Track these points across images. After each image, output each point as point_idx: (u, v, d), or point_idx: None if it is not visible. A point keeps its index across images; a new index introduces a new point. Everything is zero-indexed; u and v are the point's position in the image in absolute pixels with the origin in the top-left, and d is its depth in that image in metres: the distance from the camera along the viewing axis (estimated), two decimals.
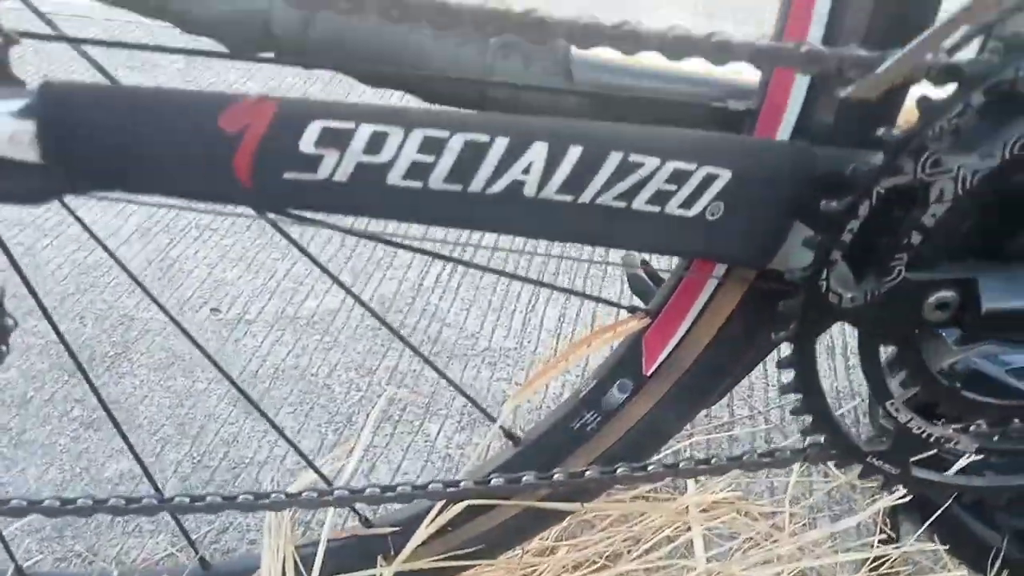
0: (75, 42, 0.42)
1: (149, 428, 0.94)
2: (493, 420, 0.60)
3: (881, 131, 0.37)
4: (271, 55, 0.47)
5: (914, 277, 0.41)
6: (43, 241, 1.21)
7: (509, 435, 0.61)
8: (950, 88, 0.36)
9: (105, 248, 0.52)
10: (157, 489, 0.58)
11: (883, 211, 0.39)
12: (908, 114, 0.41)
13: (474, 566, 0.66)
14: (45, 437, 0.93)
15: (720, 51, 0.34)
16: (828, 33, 0.39)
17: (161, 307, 0.52)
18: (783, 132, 0.43)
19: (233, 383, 0.59)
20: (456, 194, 0.35)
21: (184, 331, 0.55)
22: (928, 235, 0.40)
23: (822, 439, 0.50)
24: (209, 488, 0.89)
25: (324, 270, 0.53)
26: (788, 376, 0.47)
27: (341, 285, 0.55)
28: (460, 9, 0.34)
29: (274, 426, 0.60)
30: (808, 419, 0.49)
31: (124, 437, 0.59)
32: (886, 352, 0.46)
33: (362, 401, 0.99)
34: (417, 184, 0.35)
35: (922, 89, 0.36)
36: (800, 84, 0.42)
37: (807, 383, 0.46)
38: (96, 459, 0.91)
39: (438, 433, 0.96)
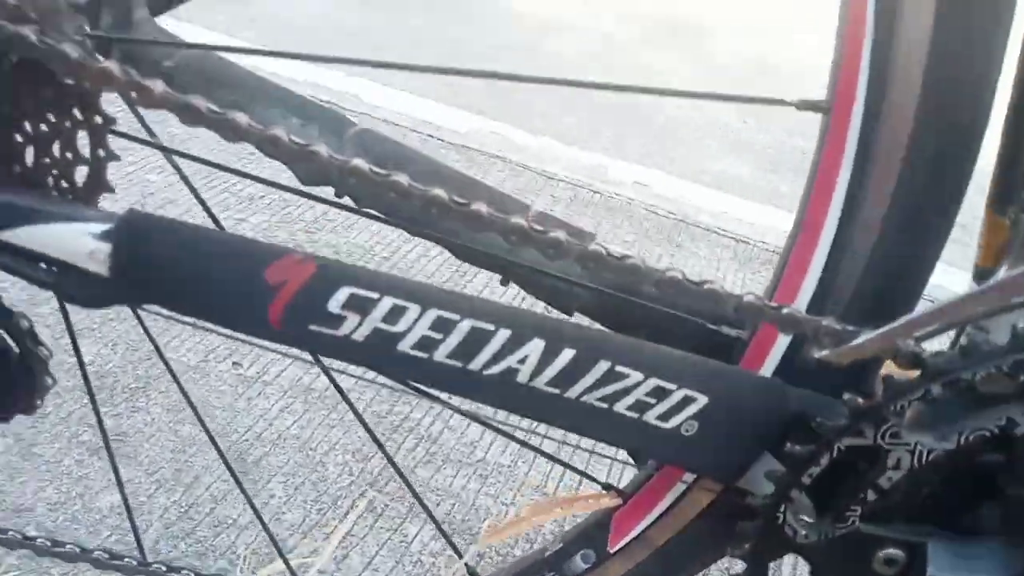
0: (168, 151, 0.48)
1: (148, 467, 0.98)
2: (460, 556, 0.63)
3: (846, 396, 0.40)
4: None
5: (867, 530, 0.44)
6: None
7: (472, 574, 0.63)
8: (914, 373, 0.39)
9: (156, 348, 0.57)
10: (141, 549, 0.61)
11: (843, 464, 0.42)
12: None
13: None
14: (52, 455, 0.97)
15: (707, 300, 0.38)
16: (818, 293, 0.43)
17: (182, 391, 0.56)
18: (769, 363, 0.46)
19: (221, 454, 0.62)
20: (456, 368, 0.40)
21: (191, 405, 0.59)
22: (883, 495, 0.42)
23: None
24: (188, 540, 0.92)
25: (348, 403, 0.57)
26: None
27: (361, 420, 0.59)
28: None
29: (253, 508, 0.63)
30: None
31: (118, 479, 0.63)
32: None
33: (351, 486, 1.02)
34: (423, 355, 0.39)
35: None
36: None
37: None
38: (93, 487, 0.95)
39: (415, 536, 0.98)
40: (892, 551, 0.44)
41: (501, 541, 0.94)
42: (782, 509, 0.44)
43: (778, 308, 0.39)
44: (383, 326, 0.38)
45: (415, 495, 0.60)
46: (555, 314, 0.50)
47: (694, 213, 1.86)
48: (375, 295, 0.38)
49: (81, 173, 0.42)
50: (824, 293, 0.43)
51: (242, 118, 0.36)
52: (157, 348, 0.57)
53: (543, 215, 0.52)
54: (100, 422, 0.61)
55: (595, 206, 1.79)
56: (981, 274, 0.42)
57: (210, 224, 0.45)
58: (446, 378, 0.40)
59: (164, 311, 0.38)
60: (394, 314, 0.38)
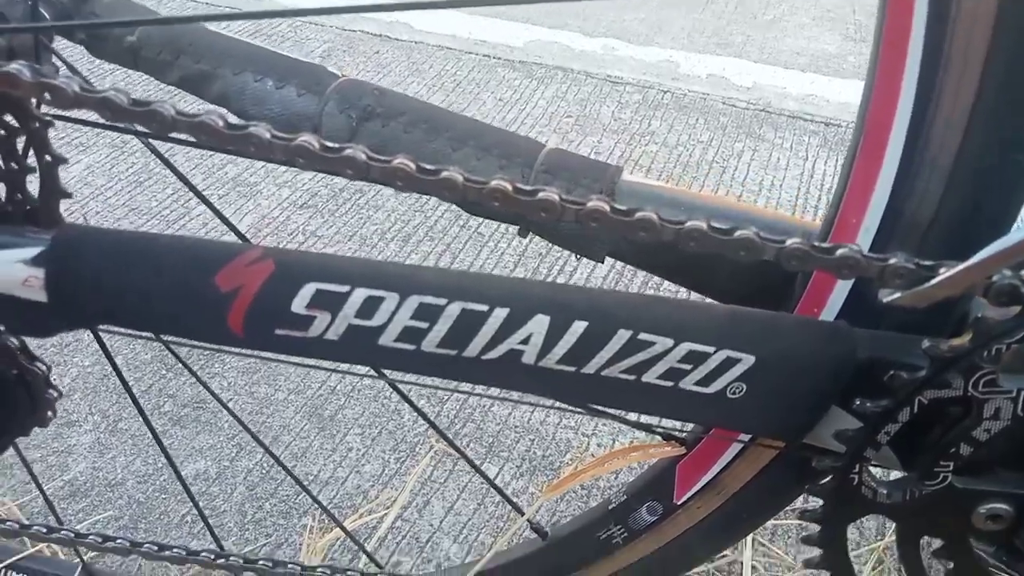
0: (131, 133, 0.44)
1: (228, 432, 1.00)
2: (521, 513, 0.60)
3: (926, 344, 0.33)
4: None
5: (963, 484, 0.37)
6: (181, 221, 1.29)
7: (537, 530, 0.60)
8: (1011, 309, 0.31)
9: None
10: (218, 542, 0.61)
11: (927, 418, 0.35)
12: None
13: None
14: (136, 428, 1.00)
15: (748, 249, 0.32)
16: (886, 222, 0.35)
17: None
18: (833, 303, 0.39)
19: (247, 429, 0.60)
20: (450, 357, 0.35)
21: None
22: (980, 447, 0.35)
23: None
24: (272, 500, 0.93)
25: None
26: (816, 552, 0.43)
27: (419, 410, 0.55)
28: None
29: (303, 486, 0.61)
30: None
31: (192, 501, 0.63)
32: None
33: (428, 432, 1.00)
34: (410, 347, 0.34)
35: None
36: (863, 241, 0.38)
37: (836, 564, 0.43)
38: (177, 456, 0.97)
39: (496, 476, 0.96)
40: (996, 505, 0.37)
41: (560, 493, 0.91)
42: (856, 470, 0.38)
43: (831, 250, 0.31)
44: (359, 322, 0.33)
45: (470, 462, 0.57)
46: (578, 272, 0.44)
47: (777, 100, 1.71)
48: (344, 288, 0.33)
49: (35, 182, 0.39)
50: (893, 221, 0.35)
51: (166, 109, 0.31)
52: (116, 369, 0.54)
53: (557, 156, 0.46)
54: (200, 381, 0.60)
55: (666, 107, 1.67)
56: None
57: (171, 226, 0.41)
58: (441, 367, 0.35)
59: (120, 329, 0.34)
60: (369, 307, 0.33)
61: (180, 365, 1.07)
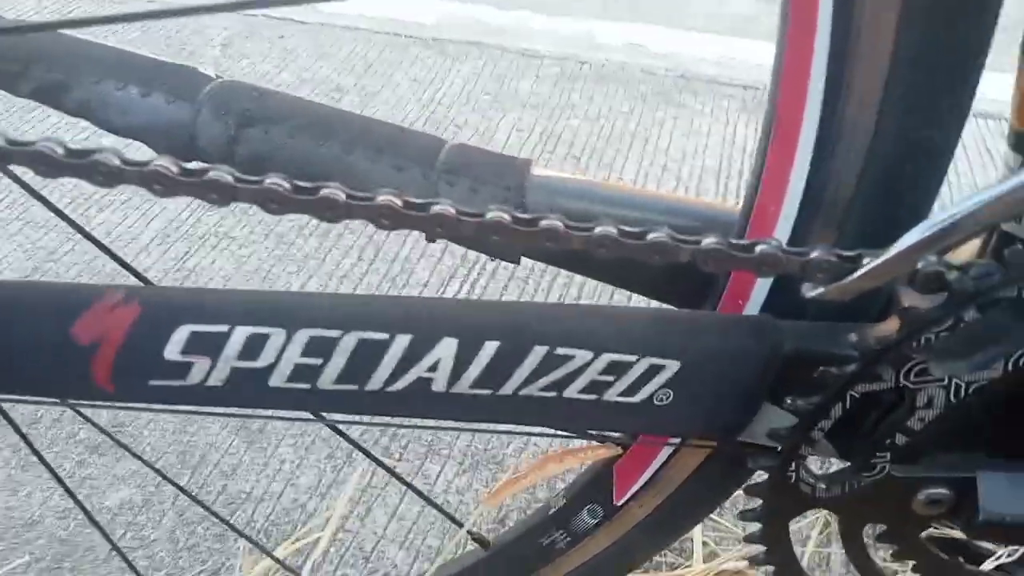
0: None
1: (151, 456, 0.94)
2: (460, 525, 0.57)
3: (854, 338, 0.31)
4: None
5: (900, 473, 0.36)
6: (66, 246, 1.21)
7: (479, 540, 0.57)
8: (937, 296, 0.30)
9: None
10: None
11: (860, 412, 0.33)
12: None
13: None
14: (51, 460, 0.93)
15: (662, 252, 0.29)
16: (803, 214, 0.33)
17: None
18: (758, 292, 0.37)
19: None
20: (352, 392, 0.31)
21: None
22: (915, 436, 0.34)
23: None
24: (204, 524, 0.88)
25: None
26: (760, 550, 0.42)
27: None
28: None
29: (227, 523, 0.57)
30: None
31: None
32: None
33: (362, 437, 0.97)
34: (304, 386, 0.31)
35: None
36: (782, 231, 0.36)
37: (781, 560, 0.41)
38: (99, 486, 0.91)
39: (438, 475, 0.93)
40: (935, 491, 0.36)
41: (498, 503, 0.89)
42: (792, 469, 0.36)
43: (750, 247, 0.29)
44: (243, 364, 0.30)
45: (404, 482, 0.54)
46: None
47: (695, 65, 1.71)
48: (223, 327, 0.29)
49: None
50: (812, 208, 0.33)
51: None
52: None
53: (460, 153, 0.43)
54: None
55: (584, 79, 1.65)
56: (1018, 142, 0.31)
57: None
58: (342, 403, 0.32)
59: None
60: (253, 346, 0.30)
61: None
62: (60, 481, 0.56)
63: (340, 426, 0.52)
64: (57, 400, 0.31)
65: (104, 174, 0.28)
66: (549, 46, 1.75)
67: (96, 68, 0.42)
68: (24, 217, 1.26)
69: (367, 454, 0.52)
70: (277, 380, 0.30)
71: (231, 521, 0.88)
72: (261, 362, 0.30)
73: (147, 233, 1.24)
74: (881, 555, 0.57)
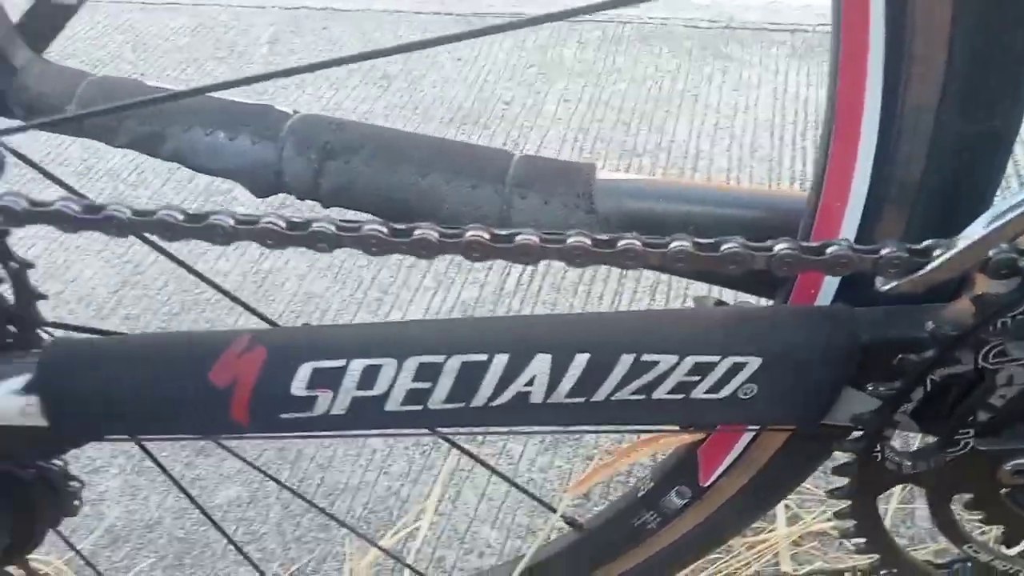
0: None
1: (253, 455, 1.00)
2: (553, 510, 0.60)
3: (931, 327, 0.32)
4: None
5: (985, 447, 0.37)
6: (150, 258, 1.27)
7: (572, 523, 0.60)
8: (1010, 282, 0.31)
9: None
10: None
11: (941, 394, 0.35)
12: None
13: None
14: (164, 463, 1.00)
15: (737, 262, 0.31)
16: (870, 209, 0.34)
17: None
18: (830, 281, 0.39)
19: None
20: (459, 410, 0.34)
21: None
22: (997, 412, 0.35)
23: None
24: (309, 515, 0.94)
25: None
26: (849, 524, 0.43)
27: None
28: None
29: (333, 517, 0.62)
30: (876, 556, 0.45)
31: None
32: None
33: None
34: (417, 407, 0.34)
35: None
36: (849, 226, 0.38)
37: (870, 531, 0.43)
38: (207, 486, 0.98)
39: (521, 455, 0.97)
40: (1020, 460, 0.37)
41: (590, 488, 0.92)
42: (877, 449, 0.38)
43: (820, 250, 0.31)
44: (361, 393, 0.33)
45: (497, 472, 0.57)
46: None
47: (740, 13, 1.67)
48: (340, 363, 0.32)
49: None
50: (878, 202, 0.34)
51: (121, 211, 0.30)
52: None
53: (527, 165, 0.45)
54: None
55: (627, 40, 1.63)
56: None
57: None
58: (450, 420, 0.35)
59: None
60: (369, 377, 0.33)
61: None
62: (177, 483, 0.61)
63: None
64: (198, 436, 0.35)
65: (221, 234, 0.30)
66: (591, 15, 1.74)
67: (183, 117, 0.45)
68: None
69: (458, 447, 0.55)
70: (392, 405, 0.33)
71: (332, 511, 0.94)
72: (377, 390, 0.33)
73: None
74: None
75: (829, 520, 0.84)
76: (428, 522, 0.87)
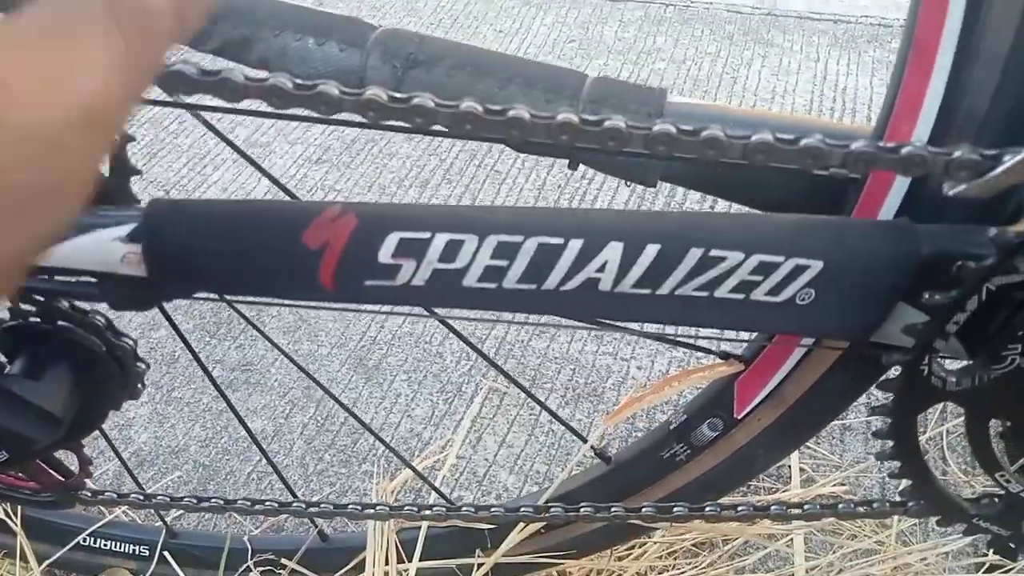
0: (191, 108, 0.45)
1: (279, 391, 1.02)
2: (584, 440, 0.62)
3: (993, 233, 0.34)
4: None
5: None
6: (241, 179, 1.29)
7: (601, 455, 0.62)
8: None
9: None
10: (291, 491, 0.64)
11: (994, 305, 0.36)
12: None
13: (564, 563, 0.69)
14: (191, 396, 1.02)
15: (815, 157, 0.32)
16: (943, 114, 0.35)
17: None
18: (891, 202, 0.40)
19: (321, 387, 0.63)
20: (531, 291, 0.36)
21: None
22: None
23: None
24: (331, 451, 0.96)
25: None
26: (886, 444, 0.45)
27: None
28: None
29: (372, 432, 0.63)
30: (908, 483, 0.47)
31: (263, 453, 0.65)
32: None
33: (471, 371, 1.03)
34: (492, 285, 0.35)
35: None
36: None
37: (907, 454, 0.45)
38: (234, 419, 1.00)
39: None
40: None
41: (621, 420, 0.94)
42: (925, 362, 0.39)
43: (896, 149, 0.32)
44: (442, 266, 0.34)
45: (525, 390, 0.59)
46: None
47: (784, 1, 1.67)
48: (426, 234, 0.34)
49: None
50: (948, 116, 0.35)
51: (236, 76, 0.32)
52: (188, 346, 0.56)
53: (602, 85, 0.46)
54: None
55: (669, 21, 1.64)
56: None
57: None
58: (522, 302, 0.36)
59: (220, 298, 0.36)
60: (451, 250, 0.34)
61: (222, 332, 1.10)
62: (217, 387, 0.61)
63: (467, 342, 0.57)
64: (284, 301, 0.36)
65: (326, 103, 0.32)
66: None
67: (275, 23, 0.47)
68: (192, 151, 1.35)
69: (495, 366, 0.57)
70: (470, 280, 0.35)
71: (354, 449, 0.95)
72: (457, 264, 0.34)
73: (259, 189, 1.31)
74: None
75: (842, 485, 0.86)
76: (455, 453, 0.89)
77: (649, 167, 0.45)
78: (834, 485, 0.86)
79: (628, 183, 0.48)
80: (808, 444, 0.92)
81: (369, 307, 1.02)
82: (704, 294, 0.37)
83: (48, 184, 0.19)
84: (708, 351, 0.53)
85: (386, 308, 1.05)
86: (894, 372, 0.41)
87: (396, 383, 1.02)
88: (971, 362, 0.39)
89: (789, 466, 0.90)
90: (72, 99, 0.19)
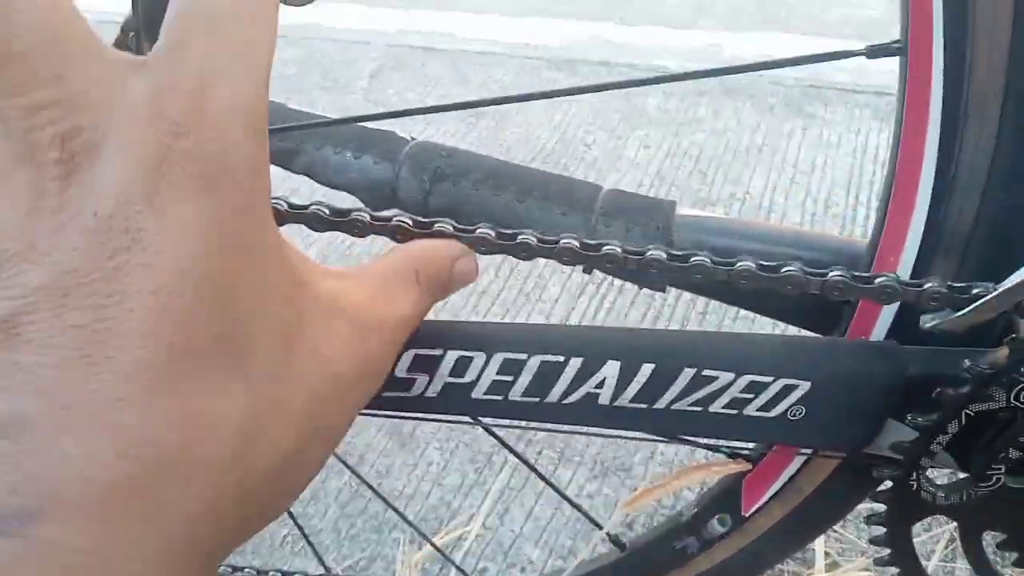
0: None
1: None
2: (600, 527, 0.64)
3: (967, 364, 0.36)
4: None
5: (1016, 484, 0.40)
6: None
7: (615, 542, 0.64)
8: None
9: None
10: (322, 563, 0.67)
11: (975, 429, 0.38)
12: None
13: None
14: None
15: (795, 284, 0.35)
16: (924, 249, 0.38)
17: None
18: (884, 319, 0.42)
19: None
20: (533, 403, 0.39)
21: None
22: None
23: None
24: (363, 516, 0.99)
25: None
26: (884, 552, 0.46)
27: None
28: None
29: (395, 510, 0.66)
30: None
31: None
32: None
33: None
34: (498, 397, 0.38)
35: None
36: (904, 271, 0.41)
37: (904, 562, 0.46)
38: None
39: (570, 480, 1.00)
40: None
41: (638, 510, 0.95)
42: (913, 478, 0.41)
43: (871, 279, 0.35)
44: (452, 380, 0.38)
45: (549, 483, 0.61)
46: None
47: (829, 73, 1.70)
48: (438, 351, 0.37)
49: None
50: (930, 252, 0.38)
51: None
52: None
53: (614, 198, 0.49)
54: None
55: (711, 93, 1.68)
56: None
57: None
58: (524, 413, 0.39)
59: None
60: (460, 366, 0.37)
61: None
62: None
63: (492, 431, 0.60)
64: None
65: (359, 227, 0.36)
66: (677, 61, 1.79)
67: (318, 137, 0.52)
68: None
69: (516, 454, 0.59)
70: (477, 392, 0.38)
71: (386, 516, 0.98)
72: (466, 378, 0.38)
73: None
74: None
75: (867, 571, 0.85)
76: (478, 528, 0.91)
77: (658, 276, 0.48)
78: (859, 571, 0.85)
79: (639, 287, 0.51)
80: (835, 528, 0.92)
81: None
82: (699, 409, 0.39)
83: None
84: (716, 449, 0.55)
85: None
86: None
87: (429, 451, 1.05)
88: (959, 480, 0.41)
89: (814, 549, 0.90)
90: None
